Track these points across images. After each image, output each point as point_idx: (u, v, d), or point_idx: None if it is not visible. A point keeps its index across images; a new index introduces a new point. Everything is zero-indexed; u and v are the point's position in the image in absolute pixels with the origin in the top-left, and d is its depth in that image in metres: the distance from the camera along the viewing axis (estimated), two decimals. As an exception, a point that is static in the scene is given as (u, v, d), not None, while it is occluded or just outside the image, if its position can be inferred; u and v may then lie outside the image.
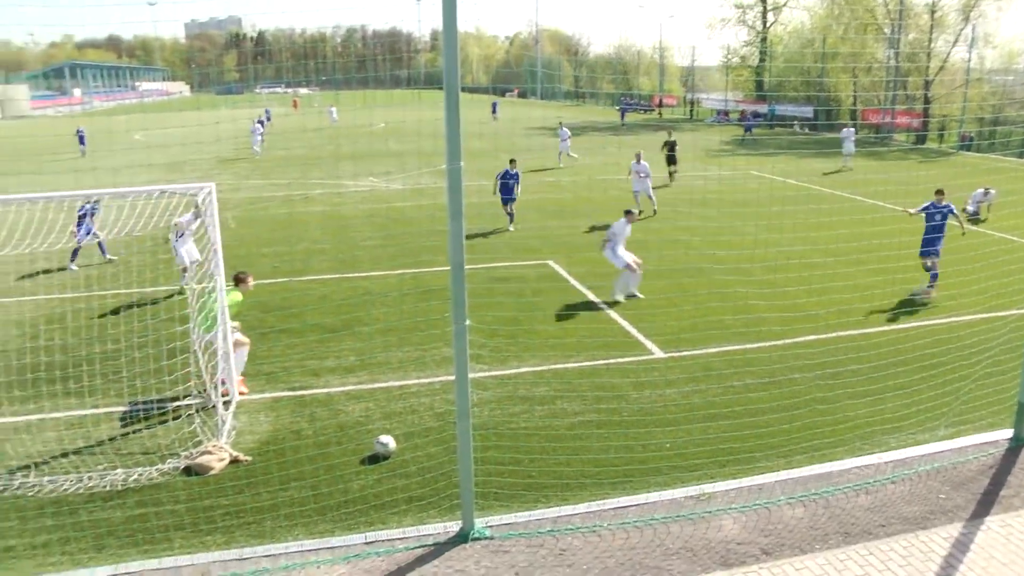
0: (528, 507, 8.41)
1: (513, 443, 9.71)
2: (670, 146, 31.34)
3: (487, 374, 11.87)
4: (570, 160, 38.34)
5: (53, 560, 7.82)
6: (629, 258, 15.58)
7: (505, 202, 22.80)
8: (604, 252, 15.78)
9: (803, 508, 8.37)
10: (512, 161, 22.98)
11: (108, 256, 19.86)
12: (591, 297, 15.96)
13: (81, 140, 46.41)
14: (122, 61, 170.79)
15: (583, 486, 8.81)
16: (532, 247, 20.25)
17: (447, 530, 8.02)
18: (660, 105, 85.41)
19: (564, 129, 39.02)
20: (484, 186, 28.18)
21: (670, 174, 31.14)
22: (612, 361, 12.49)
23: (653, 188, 25.76)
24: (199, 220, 15.17)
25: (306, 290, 16.67)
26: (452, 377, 10.88)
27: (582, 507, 8.39)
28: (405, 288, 16.28)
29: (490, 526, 8.03)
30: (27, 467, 9.60)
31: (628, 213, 16.04)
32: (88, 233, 18.41)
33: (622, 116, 72.90)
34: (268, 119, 63.33)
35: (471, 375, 7.69)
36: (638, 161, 25.52)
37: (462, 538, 7.87)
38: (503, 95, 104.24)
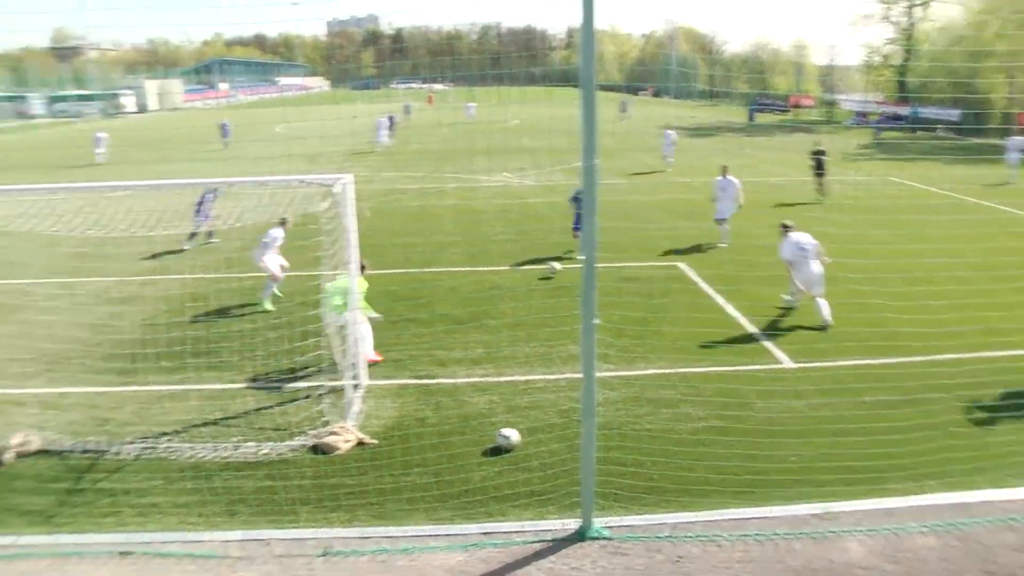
0: (648, 510, 8.32)
1: (636, 444, 9.61)
2: (818, 155, 28.23)
3: (613, 374, 11.79)
4: (667, 164, 36.42)
5: (192, 520, 8.39)
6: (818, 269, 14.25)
7: (576, 228, 19.41)
8: (796, 278, 14.51)
9: (936, 538, 7.92)
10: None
11: (191, 244, 20.50)
12: (720, 301, 15.62)
13: (224, 133, 48.75)
14: (266, 57, 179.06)
15: (704, 493, 8.62)
16: (662, 248, 19.99)
17: (565, 527, 8.02)
18: (796, 106, 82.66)
19: (669, 132, 36.97)
20: (613, 185, 28.08)
21: (819, 187, 28.03)
22: (740, 368, 12.19)
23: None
24: (283, 235, 15.61)
25: (436, 281, 17.00)
26: (578, 375, 10.86)
27: (702, 515, 8.23)
28: (533, 284, 16.37)
29: (609, 527, 7.98)
30: (171, 432, 10.28)
31: (786, 227, 15.07)
32: (205, 218, 19.76)
33: (751, 115, 70.95)
34: (408, 114, 65.05)
35: (597, 374, 7.66)
36: (724, 175, 20.44)
37: (579, 536, 7.86)
38: (636, 93, 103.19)
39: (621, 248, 19.34)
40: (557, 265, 17.15)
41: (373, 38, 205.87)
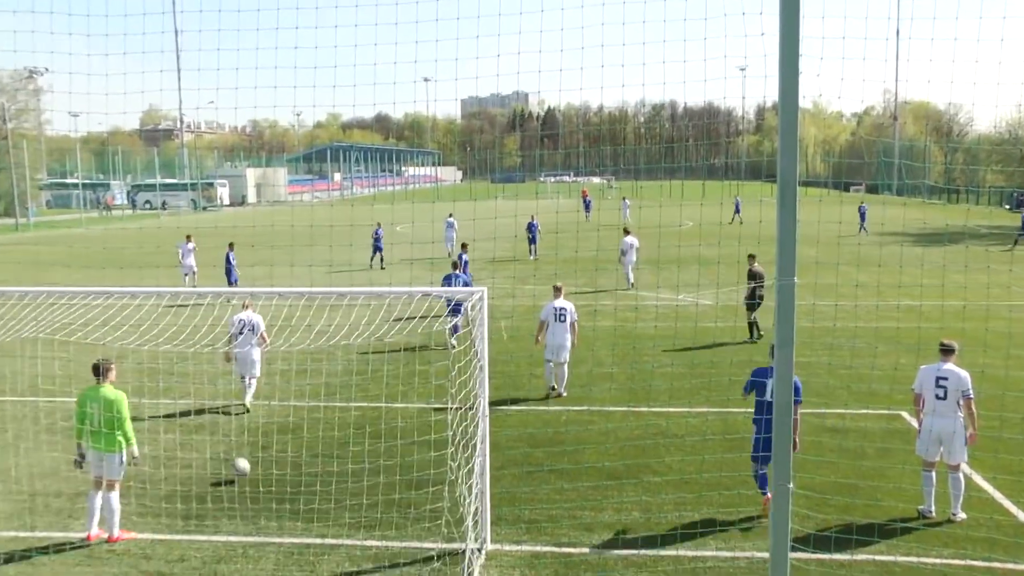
0: None
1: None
2: None
3: (810, 555, 11.24)
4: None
5: None
6: None
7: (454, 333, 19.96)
8: None
9: None
10: (455, 263, 24.63)
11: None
12: (966, 469, 14.74)
13: (377, 243, 45.37)
14: (389, 143, 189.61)
15: None
16: (878, 392, 19.15)
17: None
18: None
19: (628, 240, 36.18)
20: (813, 307, 27.42)
21: None
22: (997, 565, 11.30)
23: None
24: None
25: (586, 422, 16.93)
26: (763, 554, 10.47)
27: None
28: (709, 431, 16.09)
29: None
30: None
31: None
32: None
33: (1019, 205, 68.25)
34: (587, 210, 67.72)
35: (791, 555, 7.32)
36: None
37: None
38: (847, 189, 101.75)
39: (824, 389, 18.75)
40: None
41: (519, 120, 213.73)
